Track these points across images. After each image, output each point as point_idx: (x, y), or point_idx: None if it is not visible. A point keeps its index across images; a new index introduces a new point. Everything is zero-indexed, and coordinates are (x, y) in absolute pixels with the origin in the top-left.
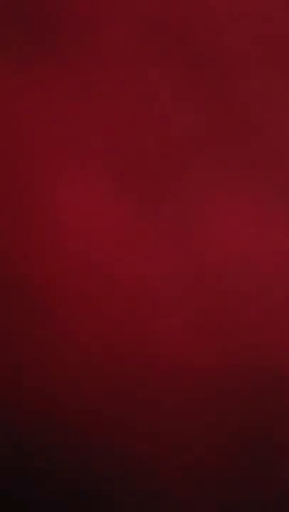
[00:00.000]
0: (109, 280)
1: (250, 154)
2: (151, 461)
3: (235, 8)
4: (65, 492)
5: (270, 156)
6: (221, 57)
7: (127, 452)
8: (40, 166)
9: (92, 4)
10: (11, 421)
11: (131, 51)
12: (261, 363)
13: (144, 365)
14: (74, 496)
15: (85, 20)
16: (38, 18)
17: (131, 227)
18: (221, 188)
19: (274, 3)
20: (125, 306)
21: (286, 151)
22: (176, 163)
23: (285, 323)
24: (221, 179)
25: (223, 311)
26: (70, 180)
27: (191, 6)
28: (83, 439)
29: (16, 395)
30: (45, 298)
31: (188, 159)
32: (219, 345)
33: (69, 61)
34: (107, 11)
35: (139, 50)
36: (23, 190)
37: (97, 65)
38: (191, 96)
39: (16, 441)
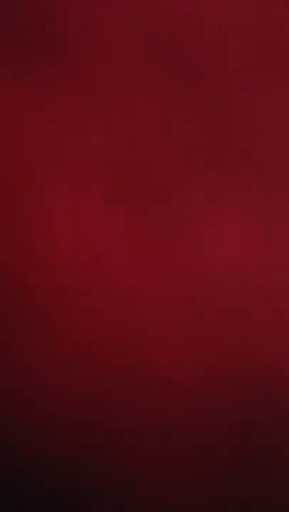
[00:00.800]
0: (103, 288)
1: (246, 164)
2: (149, 463)
3: (231, 23)
4: (64, 492)
5: (265, 168)
6: (217, 71)
7: (123, 455)
8: (35, 175)
9: (91, 16)
10: (10, 421)
11: (128, 63)
12: (255, 373)
13: (141, 374)
14: (73, 497)
15: (84, 32)
16: (36, 28)
17: (126, 235)
18: (216, 198)
19: (269, 18)
20: (121, 314)
21: (281, 162)
22: (171, 172)
23: (278, 335)
24: (216, 189)
25: (219, 322)
26: (66, 189)
27: (187, 21)
28: (81, 444)
29: (15, 398)
30: (41, 306)
31: (183, 169)
32: (215, 355)
33: (66, 71)
34: (105, 22)
35: (136, 62)
36: (18, 198)
37: (93, 75)
38: (186, 106)
39: (16, 441)
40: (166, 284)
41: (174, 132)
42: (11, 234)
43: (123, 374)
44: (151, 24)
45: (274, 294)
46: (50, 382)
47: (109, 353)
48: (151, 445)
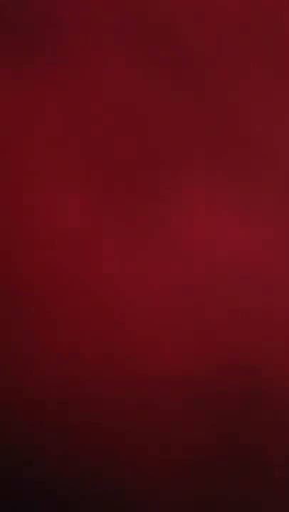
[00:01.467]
0: (101, 285)
1: (239, 158)
2: (147, 462)
3: (224, 18)
4: (63, 492)
5: (259, 159)
6: (210, 65)
7: (120, 456)
8: (24, 173)
9: (88, 15)
10: (10, 421)
11: (119, 59)
12: (254, 373)
13: (137, 372)
14: (72, 496)
15: (81, 30)
16: (28, 27)
17: (123, 231)
18: (210, 191)
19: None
20: (118, 312)
21: (276, 156)
22: (167, 169)
23: (273, 328)
24: (209, 183)
25: (212, 318)
26: (55, 187)
27: (182, 17)
28: (80, 443)
29: (13, 397)
30: (40, 306)
31: (178, 165)
32: (208, 351)
33: (55, 68)
34: (97, 22)
35: (128, 58)
36: (6, 195)
37: (83, 72)
38: (178, 102)
39: (15, 441)
40: (164, 280)
41: (169, 129)
42: (7, 231)
43: (121, 372)
44: (149, 21)
45: (273, 291)
46: (49, 380)
47: (106, 353)
48: (150, 444)
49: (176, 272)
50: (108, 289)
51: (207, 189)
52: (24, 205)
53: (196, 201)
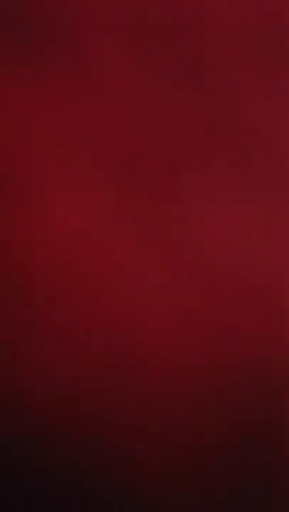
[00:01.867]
0: (102, 280)
1: (242, 153)
2: (149, 459)
3: (225, 12)
4: (63, 492)
5: (261, 155)
6: (210, 57)
7: (124, 451)
8: (31, 172)
9: (88, 14)
10: (9, 421)
11: (120, 58)
12: (255, 362)
13: (140, 363)
14: (72, 495)
15: (81, 30)
16: (28, 27)
17: (122, 227)
18: (214, 187)
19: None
20: (118, 305)
21: (276, 149)
22: (169, 164)
23: (276, 319)
24: (213, 179)
25: (216, 309)
26: (66, 180)
27: (184, 17)
28: (82, 439)
29: (14, 395)
30: (40, 298)
31: (180, 160)
32: (212, 342)
33: (62, 67)
34: (102, 20)
35: (129, 58)
36: (14, 196)
37: (84, 72)
38: (181, 102)
39: (15, 441)
40: (166, 273)
41: (172, 128)
42: (8, 232)
43: (122, 365)
44: (150, 20)
45: (277, 283)
46: (48, 375)
47: (105, 342)
48: (150, 438)
49: (185, 271)
50: (115, 288)
51: (211, 189)
52: (26, 206)
53: (203, 201)
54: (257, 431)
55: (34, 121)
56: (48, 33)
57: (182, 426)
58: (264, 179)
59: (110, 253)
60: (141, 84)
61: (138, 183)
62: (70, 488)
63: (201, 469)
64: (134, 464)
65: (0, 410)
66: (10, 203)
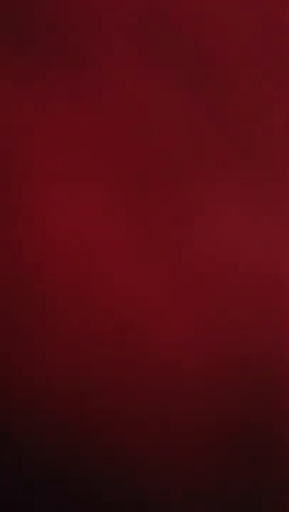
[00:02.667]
0: (105, 285)
1: (246, 153)
2: (150, 460)
3: (229, 15)
4: (63, 491)
5: (267, 155)
6: (212, 58)
7: (125, 451)
8: (31, 172)
9: (88, 15)
10: (9, 421)
11: (127, 54)
12: (257, 360)
13: (144, 366)
14: (72, 495)
15: (81, 30)
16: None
17: (126, 232)
18: (219, 187)
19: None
20: (124, 308)
21: (277, 150)
22: (171, 166)
23: (281, 323)
24: (218, 180)
25: (221, 312)
26: (64, 190)
27: (194, 18)
28: (82, 438)
29: (14, 395)
30: (43, 303)
31: (180, 160)
32: (212, 342)
33: (62, 67)
34: (102, 21)
35: (129, 52)
36: (13, 196)
37: (90, 75)
38: (193, 102)
39: (15, 441)
40: (166, 273)
41: (176, 122)
42: (8, 231)
43: (124, 363)
44: (148, 22)
45: (277, 283)
46: (49, 373)
47: (110, 344)
48: (152, 432)
49: (186, 271)
50: (115, 288)
51: (212, 189)
52: (25, 205)
53: (203, 201)
54: (257, 431)
55: (34, 122)
56: (47, 34)
57: (182, 426)
58: (264, 179)
59: (110, 253)
60: (141, 84)
61: (138, 183)
62: (70, 484)
63: (201, 466)
64: (134, 459)
65: (0, 410)
66: (9, 203)
